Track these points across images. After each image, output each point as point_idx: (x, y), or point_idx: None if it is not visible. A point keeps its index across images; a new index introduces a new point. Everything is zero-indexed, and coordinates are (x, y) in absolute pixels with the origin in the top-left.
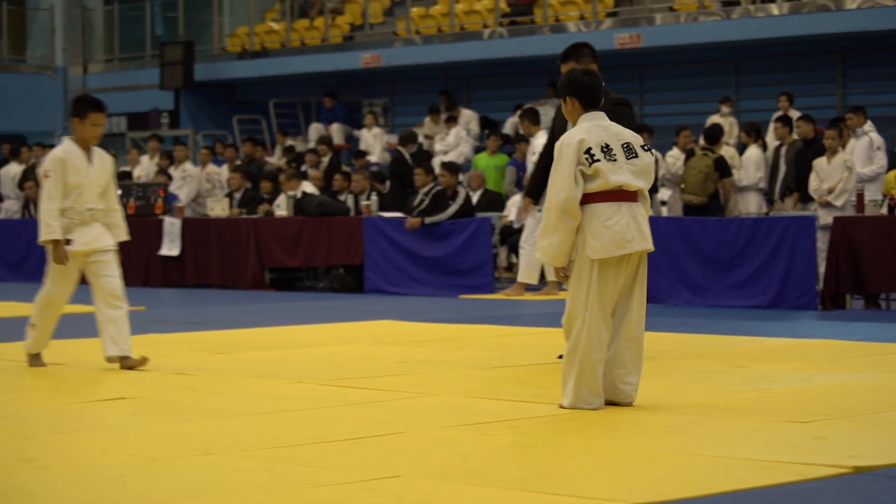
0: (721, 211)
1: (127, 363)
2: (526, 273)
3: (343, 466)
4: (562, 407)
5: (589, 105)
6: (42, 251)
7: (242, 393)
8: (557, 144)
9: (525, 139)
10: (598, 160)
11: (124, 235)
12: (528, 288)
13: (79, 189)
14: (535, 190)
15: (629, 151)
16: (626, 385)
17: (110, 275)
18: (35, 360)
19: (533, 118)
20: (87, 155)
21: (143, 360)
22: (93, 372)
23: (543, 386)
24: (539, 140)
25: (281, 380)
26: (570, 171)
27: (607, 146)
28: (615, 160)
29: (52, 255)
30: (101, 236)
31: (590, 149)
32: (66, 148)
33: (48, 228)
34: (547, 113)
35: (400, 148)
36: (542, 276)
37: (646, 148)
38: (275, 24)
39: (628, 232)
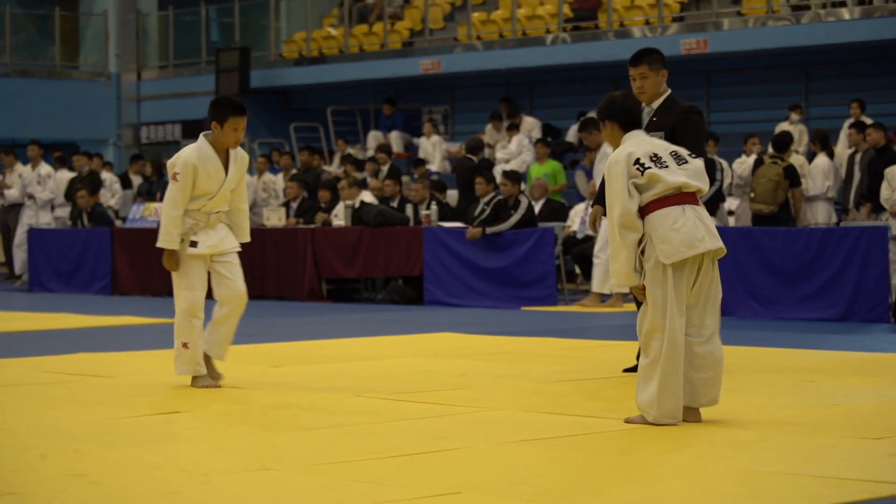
0: (792, 221)
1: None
2: (601, 283)
3: (402, 483)
4: (627, 421)
5: (628, 127)
6: (94, 262)
7: (299, 407)
8: (607, 164)
9: (590, 149)
10: (650, 167)
11: (246, 237)
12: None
13: (209, 195)
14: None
15: (678, 158)
16: (709, 389)
17: (234, 277)
18: (204, 380)
19: (597, 126)
20: (224, 160)
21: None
22: (145, 385)
23: (608, 401)
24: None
25: (339, 393)
26: (622, 185)
27: (656, 155)
28: (667, 166)
29: (164, 260)
30: (225, 238)
31: (639, 159)
32: (202, 152)
33: (168, 236)
34: None
35: (470, 156)
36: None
37: (692, 155)
38: (333, 29)
39: (697, 231)
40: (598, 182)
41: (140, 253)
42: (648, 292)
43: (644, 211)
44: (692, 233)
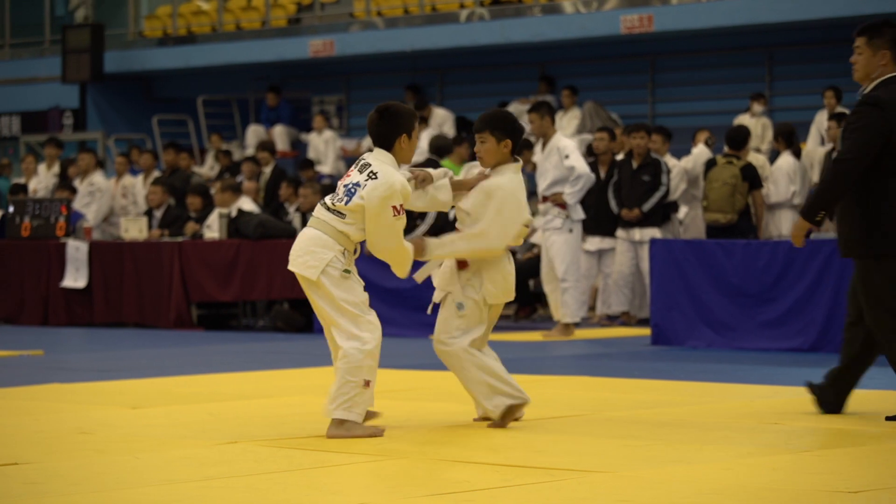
0: (754, 232)
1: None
2: (574, 312)
3: None
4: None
5: (515, 153)
6: None
7: (162, 457)
8: (501, 191)
9: (529, 145)
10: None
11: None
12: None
13: None
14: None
15: None
16: None
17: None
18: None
19: (552, 114)
20: None
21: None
22: None
23: (535, 447)
24: (566, 143)
25: (210, 440)
26: (516, 219)
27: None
28: None
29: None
30: None
31: None
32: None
33: (408, 254)
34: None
35: (434, 157)
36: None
37: None
38: (204, 3)
39: (513, 280)
40: (542, 182)
41: None
42: (465, 316)
43: None
44: (512, 281)
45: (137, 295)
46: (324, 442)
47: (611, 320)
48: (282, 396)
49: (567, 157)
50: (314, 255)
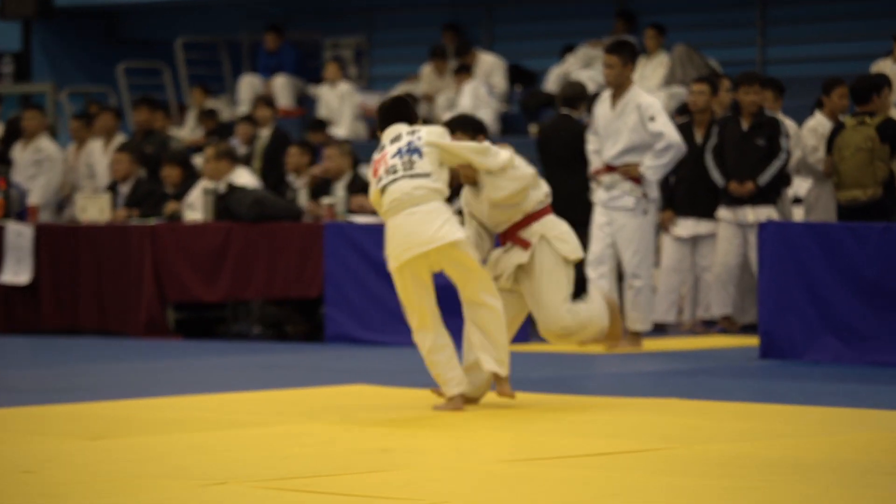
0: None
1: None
2: (643, 318)
3: None
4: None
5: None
6: None
7: (133, 500)
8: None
9: (593, 97)
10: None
11: None
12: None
13: None
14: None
15: None
16: None
17: None
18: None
19: (634, 59)
20: None
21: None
22: None
23: (609, 490)
24: (651, 100)
25: (193, 480)
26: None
27: None
28: None
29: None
30: None
31: None
32: None
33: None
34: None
35: (567, 111)
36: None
37: None
38: None
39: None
40: (611, 147)
41: None
42: (553, 277)
43: (538, 214)
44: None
45: (97, 294)
46: (337, 481)
47: (707, 326)
48: (284, 424)
49: (653, 118)
50: (448, 221)
